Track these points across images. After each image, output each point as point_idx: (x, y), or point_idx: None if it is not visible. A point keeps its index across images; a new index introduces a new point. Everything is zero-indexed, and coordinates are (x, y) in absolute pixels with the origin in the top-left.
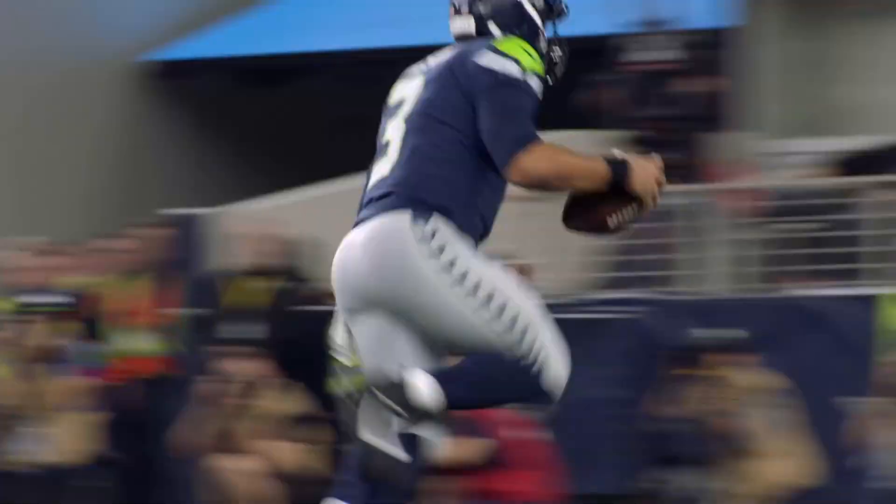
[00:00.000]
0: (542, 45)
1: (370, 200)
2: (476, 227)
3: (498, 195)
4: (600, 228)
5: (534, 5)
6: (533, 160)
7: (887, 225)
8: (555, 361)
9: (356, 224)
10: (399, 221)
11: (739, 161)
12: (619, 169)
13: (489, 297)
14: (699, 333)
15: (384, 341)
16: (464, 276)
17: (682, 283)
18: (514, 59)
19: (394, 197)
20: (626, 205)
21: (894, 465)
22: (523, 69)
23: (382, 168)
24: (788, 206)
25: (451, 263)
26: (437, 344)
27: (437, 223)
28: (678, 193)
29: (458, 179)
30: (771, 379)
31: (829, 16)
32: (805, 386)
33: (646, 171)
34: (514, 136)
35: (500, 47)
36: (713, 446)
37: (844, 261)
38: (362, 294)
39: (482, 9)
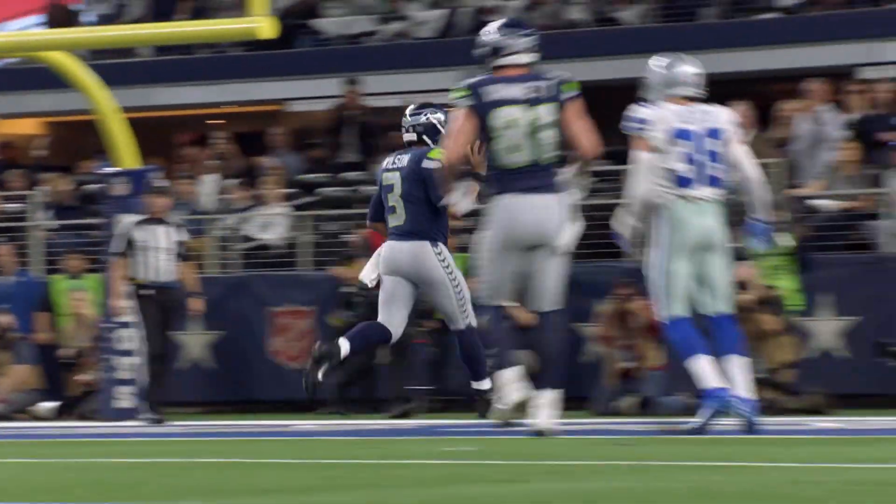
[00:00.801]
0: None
1: (400, 234)
2: (445, 243)
3: None
4: None
5: (440, 124)
6: (453, 209)
7: None
8: (473, 316)
9: (396, 240)
10: (425, 244)
11: None
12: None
13: (458, 285)
14: None
15: (411, 288)
16: (452, 273)
17: None
18: (438, 160)
19: (416, 234)
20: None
21: None
22: (441, 163)
23: (398, 219)
24: None
25: (448, 266)
26: (427, 290)
27: (440, 246)
28: None
29: (439, 224)
30: None
31: None
32: None
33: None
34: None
35: (431, 155)
36: None
37: None
38: (403, 274)
39: (418, 129)
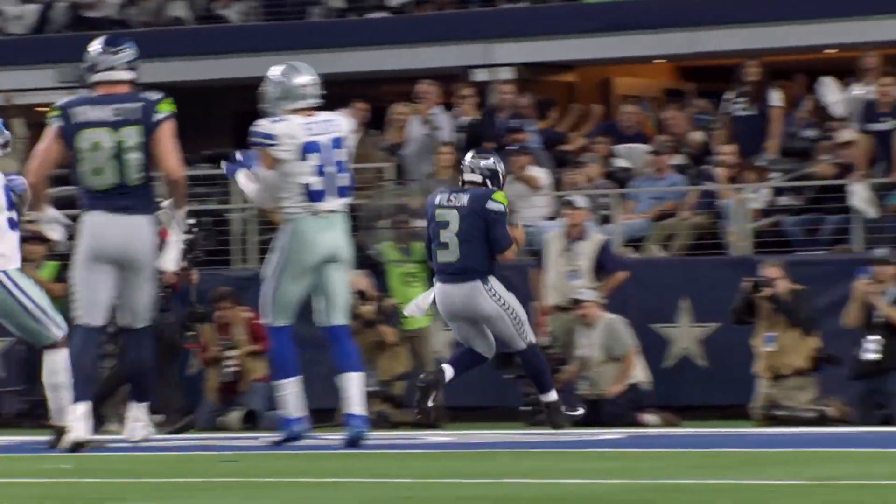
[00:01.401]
0: (502, 182)
1: (451, 273)
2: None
3: None
4: None
5: (501, 173)
6: (510, 253)
7: None
8: (531, 334)
9: (447, 282)
10: (476, 284)
11: None
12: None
13: (511, 311)
14: None
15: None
16: (504, 302)
17: None
18: (501, 203)
19: (471, 273)
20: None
21: None
22: (504, 206)
23: (450, 256)
24: None
25: (500, 298)
26: (483, 324)
27: (490, 282)
28: None
29: (490, 262)
30: None
31: None
32: None
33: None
34: (505, 242)
35: (496, 197)
36: None
37: None
38: (461, 317)
39: (484, 174)
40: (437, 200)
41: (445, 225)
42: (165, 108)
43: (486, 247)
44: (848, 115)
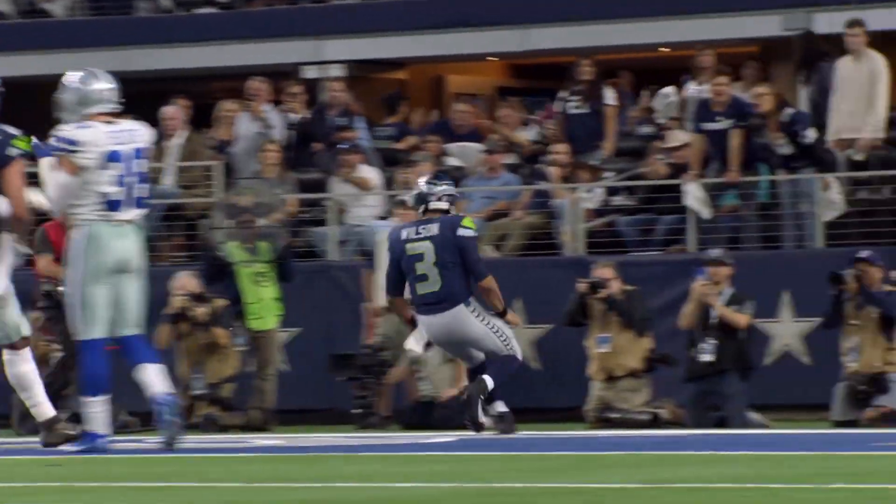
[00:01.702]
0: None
1: (434, 302)
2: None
3: None
4: None
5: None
6: (490, 280)
7: None
8: (518, 349)
9: (429, 313)
10: (459, 309)
11: None
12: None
13: (496, 328)
14: None
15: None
16: (487, 321)
17: None
18: (471, 228)
19: (451, 299)
20: None
21: None
22: (475, 231)
23: (432, 286)
24: None
25: (483, 318)
26: (471, 346)
27: (472, 303)
28: None
29: (468, 287)
30: None
31: None
32: None
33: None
34: (481, 269)
35: (465, 223)
36: None
37: None
38: (450, 343)
39: (447, 201)
40: (403, 235)
41: (420, 257)
42: (20, 146)
43: (465, 271)
44: (681, 116)
